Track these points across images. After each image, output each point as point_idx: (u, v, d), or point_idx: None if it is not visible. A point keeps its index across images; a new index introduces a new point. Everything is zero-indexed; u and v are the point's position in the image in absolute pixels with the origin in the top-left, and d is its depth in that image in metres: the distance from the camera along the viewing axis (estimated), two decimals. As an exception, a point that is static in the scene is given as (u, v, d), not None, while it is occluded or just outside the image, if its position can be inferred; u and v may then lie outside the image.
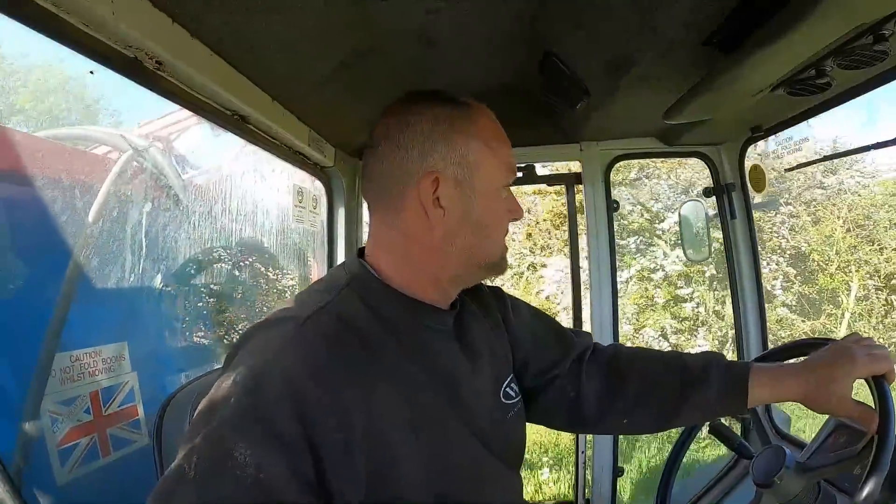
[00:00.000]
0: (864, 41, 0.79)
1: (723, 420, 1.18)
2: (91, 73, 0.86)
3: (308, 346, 0.53)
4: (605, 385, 0.81)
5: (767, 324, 1.47)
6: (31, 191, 0.96)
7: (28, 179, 0.96)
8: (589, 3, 0.90)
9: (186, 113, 1.28)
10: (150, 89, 0.89)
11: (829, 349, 0.74)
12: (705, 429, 1.16)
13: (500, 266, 0.70)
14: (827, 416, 1.04)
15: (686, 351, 0.86)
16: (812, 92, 0.97)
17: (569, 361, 0.83)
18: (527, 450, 0.80)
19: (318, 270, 1.39)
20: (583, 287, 1.61)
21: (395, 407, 0.56)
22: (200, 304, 1.40)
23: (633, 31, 0.91)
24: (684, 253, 1.75)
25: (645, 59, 1.00)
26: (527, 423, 0.79)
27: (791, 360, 0.85)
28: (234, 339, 1.49)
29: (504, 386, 0.74)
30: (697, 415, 0.80)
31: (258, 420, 0.48)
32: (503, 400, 0.73)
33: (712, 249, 1.65)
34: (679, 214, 1.66)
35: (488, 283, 0.84)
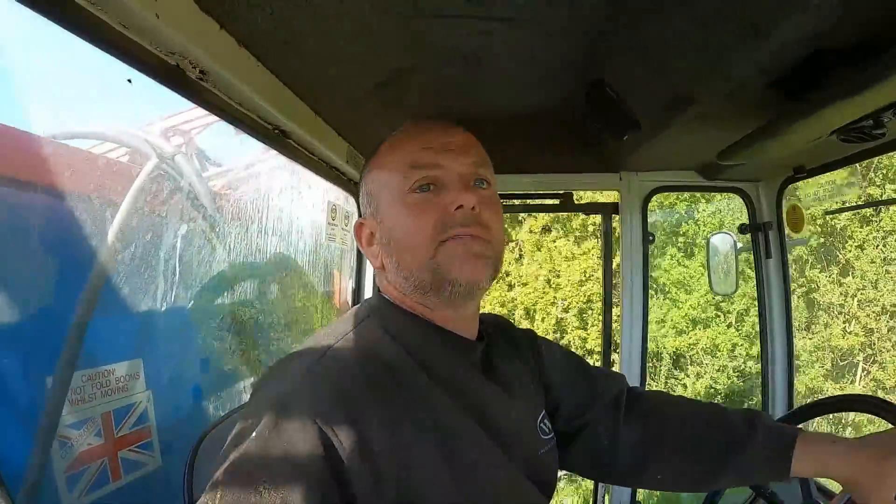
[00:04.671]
0: None
1: None
2: (129, 81, 0.79)
3: (329, 375, 0.53)
4: (643, 437, 0.75)
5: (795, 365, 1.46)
6: (50, 200, 0.90)
7: (49, 189, 0.90)
8: (658, 39, 0.87)
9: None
10: (191, 100, 0.83)
11: (892, 435, 0.65)
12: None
13: (436, 283, 0.59)
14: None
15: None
16: (865, 140, 0.96)
17: (602, 404, 0.78)
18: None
19: (347, 289, 1.33)
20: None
21: (425, 434, 0.54)
22: (223, 322, 1.34)
23: (701, 70, 0.88)
24: (710, 284, 1.73)
25: (707, 98, 0.97)
26: None
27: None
28: (256, 357, 1.44)
29: (539, 420, 0.71)
30: (736, 479, 0.74)
31: (281, 453, 0.47)
32: (539, 435, 0.69)
33: (739, 283, 1.63)
34: (707, 245, 1.65)
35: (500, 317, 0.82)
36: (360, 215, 0.69)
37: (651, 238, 1.50)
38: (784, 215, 1.41)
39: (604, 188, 1.56)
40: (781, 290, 1.45)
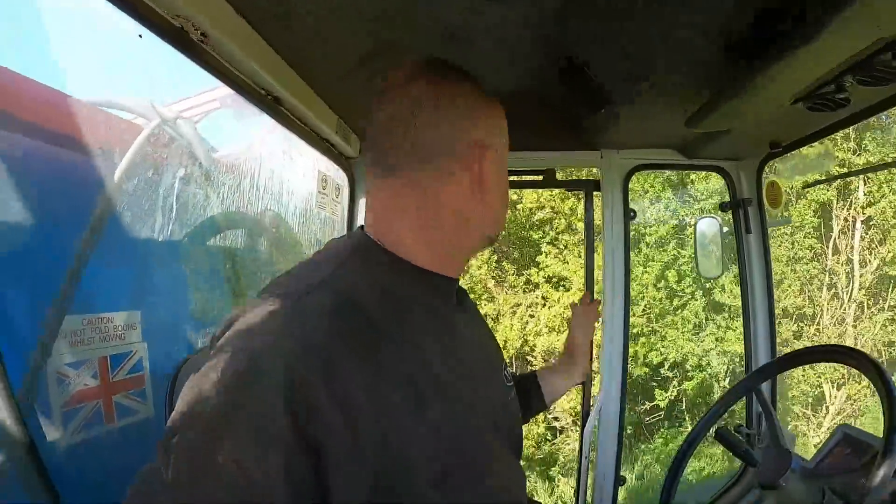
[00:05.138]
0: (883, 57, 0.80)
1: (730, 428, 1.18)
2: (140, 36, 0.88)
3: (305, 326, 0.48)
4: None
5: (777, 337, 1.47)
6: (57, 150, 0.99)
7: (58, 138, 0.99)
8: (611, 9, 0.92)
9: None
10: (193, 61, 0.91)
11: None
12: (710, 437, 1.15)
13: (497, 236, 0.70)
14: (834, 428, 1.07)
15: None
16: (831, 108, 0.99)
17: None
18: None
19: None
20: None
21: (404, 386, 0.52)
22: (221, 279, 1.41)
23: (653, 37, 0.92)
24: (697, 268, 1.76)
25: (664, 66, 1.01)
26: None
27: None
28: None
29: (504, 367, 0.75)
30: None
31: (247, 416, 0.42)
32: (506, 381, 0.73)
33: (726, 266, 1.65)
34: (694, 229, 1.68)
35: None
36: (415, 147, 0.60)
37: (633, 215, 1.54)
38: (763, 192, 1.45)
39: (585, 165, 1.61)
40: (762, 265, 1.48)
